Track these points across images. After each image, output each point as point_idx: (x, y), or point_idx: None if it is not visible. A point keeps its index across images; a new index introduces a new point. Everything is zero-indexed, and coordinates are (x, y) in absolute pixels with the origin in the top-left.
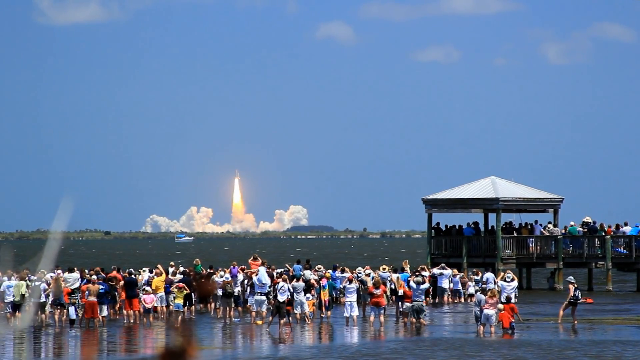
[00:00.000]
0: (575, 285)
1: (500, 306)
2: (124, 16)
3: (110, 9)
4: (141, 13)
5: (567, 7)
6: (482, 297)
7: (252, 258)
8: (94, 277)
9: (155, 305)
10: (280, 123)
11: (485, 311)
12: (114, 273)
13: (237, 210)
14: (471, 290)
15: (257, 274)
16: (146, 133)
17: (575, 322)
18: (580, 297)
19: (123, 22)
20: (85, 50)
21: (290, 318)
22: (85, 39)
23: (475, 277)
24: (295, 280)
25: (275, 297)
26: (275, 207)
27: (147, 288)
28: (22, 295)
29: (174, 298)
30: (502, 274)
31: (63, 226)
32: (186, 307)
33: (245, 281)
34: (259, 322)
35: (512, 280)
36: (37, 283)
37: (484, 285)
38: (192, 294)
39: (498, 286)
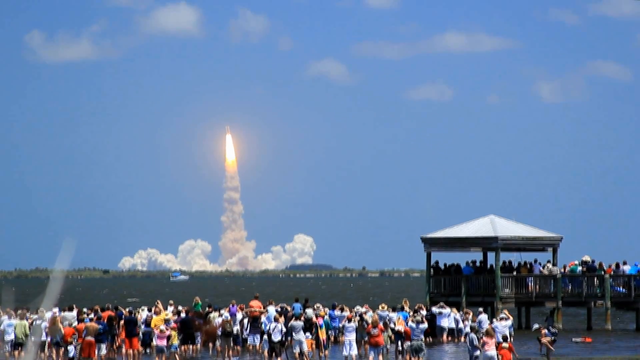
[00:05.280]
0: (543, 326)
1: (505, 345)
2: (117, 54)
3: (102, 47)
4: (134, 50)
5: (561, 46)
6: (474, 336)
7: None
8: (92, 315)
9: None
10: (274, 161)
11: (487, 352)
12: (111, 312)
13: (230, 168)
14: (468, 329)
15: (265, 314)
16: (140, 170)
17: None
18: (557, 332)
19: (115, 59)
20: (77, 89)
21: (287, 356)
22: (76, 77)
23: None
24: (294, 319)
25: (269, 337)
26: (272, 244)
27: (162, 327)
28: (25, 335)
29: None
30: (507, 312)
31: (65, 265)
32: (190, 346)
33: (245, 320)
34: None
35: (507, 319)
36: (38, 322)
37: (473, 324)
38: (194, 333)
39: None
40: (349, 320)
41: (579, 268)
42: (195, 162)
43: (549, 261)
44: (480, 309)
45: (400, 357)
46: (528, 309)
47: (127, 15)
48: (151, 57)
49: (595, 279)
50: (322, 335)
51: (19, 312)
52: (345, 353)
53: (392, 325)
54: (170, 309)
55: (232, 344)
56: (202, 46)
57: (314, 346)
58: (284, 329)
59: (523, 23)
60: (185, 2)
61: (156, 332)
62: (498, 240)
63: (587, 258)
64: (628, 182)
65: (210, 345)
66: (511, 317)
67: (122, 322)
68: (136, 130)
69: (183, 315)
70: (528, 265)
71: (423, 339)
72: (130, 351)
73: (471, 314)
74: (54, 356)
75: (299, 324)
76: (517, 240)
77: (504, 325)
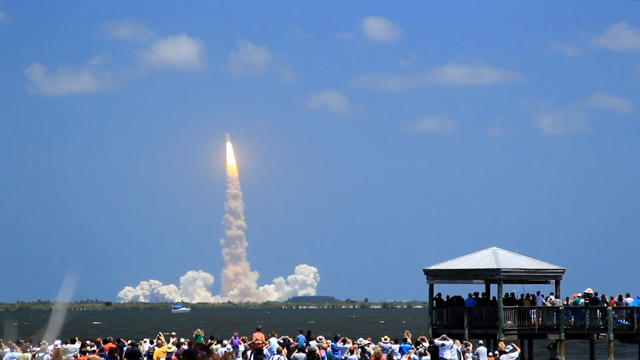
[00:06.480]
0: None
1: None
2: (118, 86)
3: (103, 80)
4: (135, 83)
5: (562, 78)
6: None
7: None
8: (94, 347)
9: None
10: (277, 194)
11: None
12: (113, 344)
13: (232, 172)
14: None
15: (267, 345)
16: (141, 200)
17: None
18: None
19: (116, 92)
20: (78, 121)
21: None
22: (77, 109)
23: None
24: (297, 351)
25: None
26: (274, 275)
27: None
28: None
29: None
30: (502, 344)
31: (68, 298)
32: None
33: (248, 352)
34: None
35: (514, 350)
36: (40, 354)
37: (473, 355)
38: None
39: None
40: (352, 352)
41: (582, 300)
42: (198, 194)
43: (551, 293)
44: (481, 342)
45: None
46: (531, 341)
47: (128, 48)
48: (152, 89)
49: (598, 311)
50: None
51: (22, 344)
52: None
53: (395, 357)
54: (172, 340)
55: None
56: (203, 78)
57: None
58: None
59: (524, 56)
60: (186, 34)
61: None
62: (500, 272)
63: (589, 290)
64: (631, 214)
65: None
66: (518, 349)
67: (124, 354)
68: (136, 163)
69: (185, 347)
70: (531, 297)
71: None
72: None
73: (471, 345)
74: None
75: (302, 356)
76: (519, 272)
77: (510, 357)
